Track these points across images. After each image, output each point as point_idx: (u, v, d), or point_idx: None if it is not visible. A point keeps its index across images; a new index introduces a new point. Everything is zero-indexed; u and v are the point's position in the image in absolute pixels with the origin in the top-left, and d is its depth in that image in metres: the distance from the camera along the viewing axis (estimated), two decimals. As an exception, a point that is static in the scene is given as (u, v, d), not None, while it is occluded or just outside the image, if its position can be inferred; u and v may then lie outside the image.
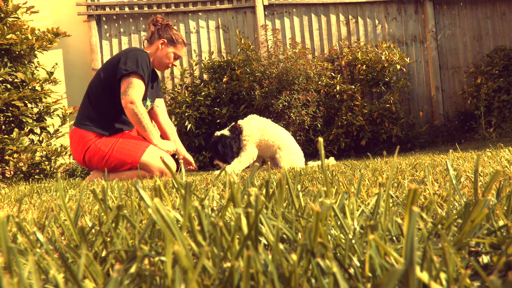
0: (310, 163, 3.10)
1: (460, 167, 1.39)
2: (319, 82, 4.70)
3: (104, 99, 2.69)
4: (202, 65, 4.78)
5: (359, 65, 4.88)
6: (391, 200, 0.67)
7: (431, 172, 1.27)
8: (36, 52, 3.92)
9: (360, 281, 0.39)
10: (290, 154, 2.96)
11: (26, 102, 3.67)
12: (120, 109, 2.68)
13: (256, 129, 2.95)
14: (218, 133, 3.02)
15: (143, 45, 2.98)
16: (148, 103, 2.87)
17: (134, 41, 4.87)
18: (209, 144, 2.96)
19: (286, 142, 3.01)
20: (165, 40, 2.83)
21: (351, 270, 0.41)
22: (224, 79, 4.57)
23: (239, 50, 4.83)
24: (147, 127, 2.65)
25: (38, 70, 3.99)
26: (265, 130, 2.97)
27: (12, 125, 3.57)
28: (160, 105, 3.04)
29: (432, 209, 0.60)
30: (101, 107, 2.70)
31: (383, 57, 4.85)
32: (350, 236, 0.45)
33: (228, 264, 0.40)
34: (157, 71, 3.11)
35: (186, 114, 4.40)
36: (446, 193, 0.75)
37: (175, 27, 3.00)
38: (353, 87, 4.76)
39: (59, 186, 0.61)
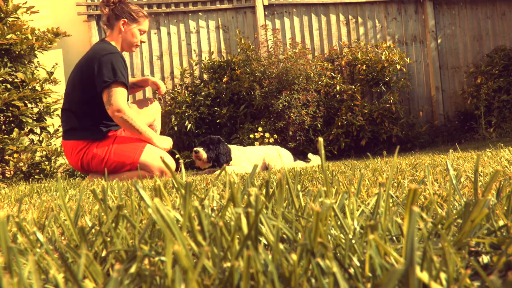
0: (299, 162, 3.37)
1: (460, 167, 1.39)
2: (319, 82, 4.70)
3: (85, 108, 2.63)
4: (202, 65, 4.78)
5: (359, 65, 4.88)
6: (391, 200, 0.67)
7: (431, 172, 1.27)
8: (36, 52, 3.92)
9: (360, 281, 0.39)
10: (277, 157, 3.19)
11: (26, 102, 3.67)
12: (102, 111, 2.61)
13: (239, 154, 3.11)
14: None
15: (106, 33, 2.87)
16: None
17: (134, 41, 4.86)
18: (213, 138, 2.85)
19: (270, 150, 3.29)
20: (126, 20, 2.68)
21: (351, 270, 0.41)
22: (224, 79, 4.57)
23: (239, 50, 4.83)
24: (141, 129, 2.61)
25: (38, 70, 3.99)
26: (245, 151, 3.18)
27: (12, 125, 3.57)
28: None
29: (432, 209, 0.60)
30: (83, 115, 2.64)
31: (383, 57, 4.85)
32: (350, 236, 0.45)
33: (228, 264, 0.40)
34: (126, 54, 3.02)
35: (186, 114, 4.40)
36: (446, 193, 0.75)
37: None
38: (353, 87, 4.76)
39: (59, 186, 0.61)
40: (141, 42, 2.79)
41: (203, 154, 2.70)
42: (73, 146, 2.65)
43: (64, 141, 2.69)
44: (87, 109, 2.64)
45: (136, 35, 2.73)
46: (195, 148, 2.79)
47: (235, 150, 3.10)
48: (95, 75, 2.51)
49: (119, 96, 2.51)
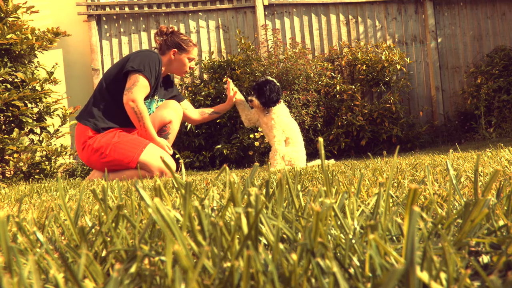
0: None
1: (460, 167, 1.39)
2: (319, 82, 4.70)
3: (104, 94, 2.72)
4: (202, 65, 4.78)
5: (359, 65, 4.88)
6: (391, 200, 0.67)
7: (431, 172, 1.27)
8: (36, 52, 3.92)
9: (360, 280, 0.39)
10: (294, 151, 2.96)
11: (26, 102, 3.66)
12: (114, 105, 2.70)
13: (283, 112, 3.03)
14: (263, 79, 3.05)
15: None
16: (159, 103, 2.96)
17: (134, 41, 4.86)
18: (256, 84, 2.98)
19: (295, 136, 3.02)
20: (176, 50, 2.89)
21: (351, 270, 0.41)
22: (224, 79, 4.57)
23: (239, 50, 4.83)
24: (146, 125, 2.66)
25: (38, 70, 3.99)
26: (288, 117, 3.06)
27: (12, 125, 3.57)
28: (188, 107, 3.15)
29: (432, 209, 0.60)
30: (100, 100, 2.72)
31: (383, 57, 4.85)
32: (350, 236, 0.45)
33: (228, 264, 0.40)
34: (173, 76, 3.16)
35: (186, 114, 4.40)
36: (446, 193, 0.75)
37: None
38: (353, 87, 4.76)
39: (59, 186, 0.61)
40: (190, 68, 2.98)
41: (256, 100, 2.93)
42: (79, 135, 2.69)
43: (76, 124, 2.77)
44: (107, 96, 2.71)
45: (185, 62, 2.94)
46: (249, 98, 2.98)
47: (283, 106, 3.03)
48: (128, 60, 2.65)
49: (141, 89, 2.62)
